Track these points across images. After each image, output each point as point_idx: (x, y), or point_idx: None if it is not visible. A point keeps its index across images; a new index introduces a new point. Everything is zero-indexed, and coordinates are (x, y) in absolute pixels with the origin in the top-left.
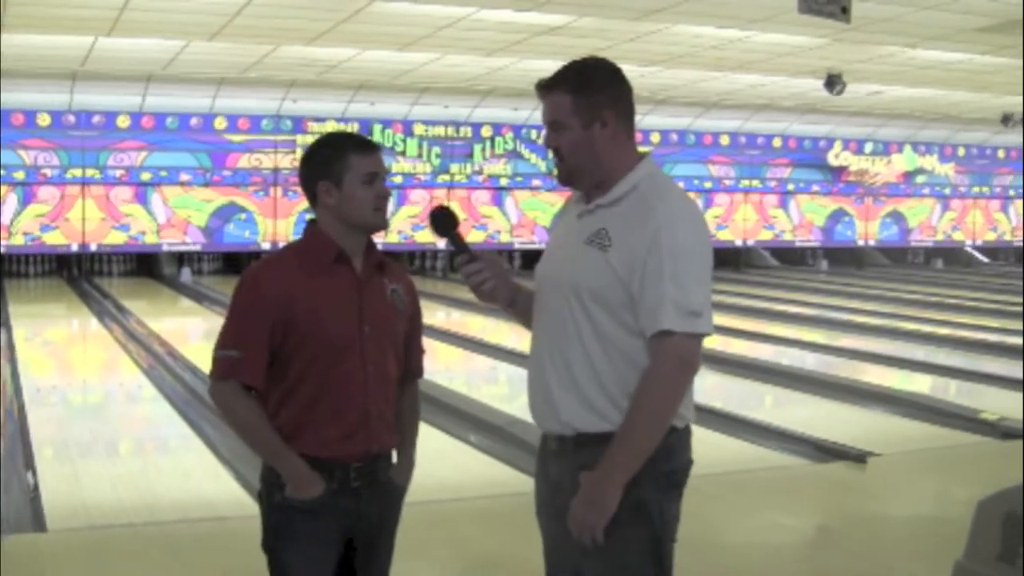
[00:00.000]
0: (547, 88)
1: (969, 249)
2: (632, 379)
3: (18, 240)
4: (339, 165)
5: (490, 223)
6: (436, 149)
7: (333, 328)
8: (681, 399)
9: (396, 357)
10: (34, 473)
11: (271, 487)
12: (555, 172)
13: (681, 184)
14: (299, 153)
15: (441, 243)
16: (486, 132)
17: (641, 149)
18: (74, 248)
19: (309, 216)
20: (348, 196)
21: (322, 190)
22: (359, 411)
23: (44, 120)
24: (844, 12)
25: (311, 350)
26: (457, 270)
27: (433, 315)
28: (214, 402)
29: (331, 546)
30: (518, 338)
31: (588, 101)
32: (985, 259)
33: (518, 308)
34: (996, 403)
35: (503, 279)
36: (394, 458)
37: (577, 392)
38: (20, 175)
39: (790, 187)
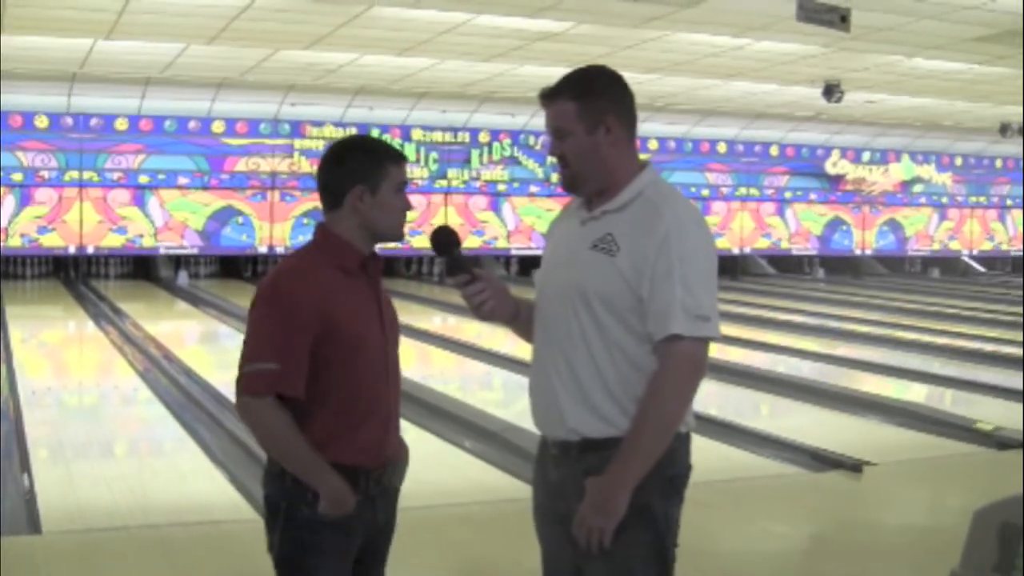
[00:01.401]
0: (551, 96)
1: (966, 259)
2: (638, 384)
3: (15, 242)
4: (378, 171)
5: (487, 229)
6: (434, 154)
7: (365, 335)
8: (690, 403)
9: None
10: (29, 475)
11: (296, 502)
12: (553, 178)
13: (680, 192)
14: (297, 157)
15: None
16: (484, 138)
17: (640, 156)
18: (71, 250)
19: (307, 221)
20: (381, 203)
21: (356, 194)
22: (385, 416)
23: (42, 122)
24: (843, 21)
25: (345, 357)
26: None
27: (428, 320)
28: (245, 419)
29: (352, 557)
30: (513, 343)
31: (592, 107)
32: (982, 269)
33: (520, 322)
34: (992, 413)
35: (502, 297)
36: None
37: (583, 398)
38: (18, 177)
39: (787, 195)
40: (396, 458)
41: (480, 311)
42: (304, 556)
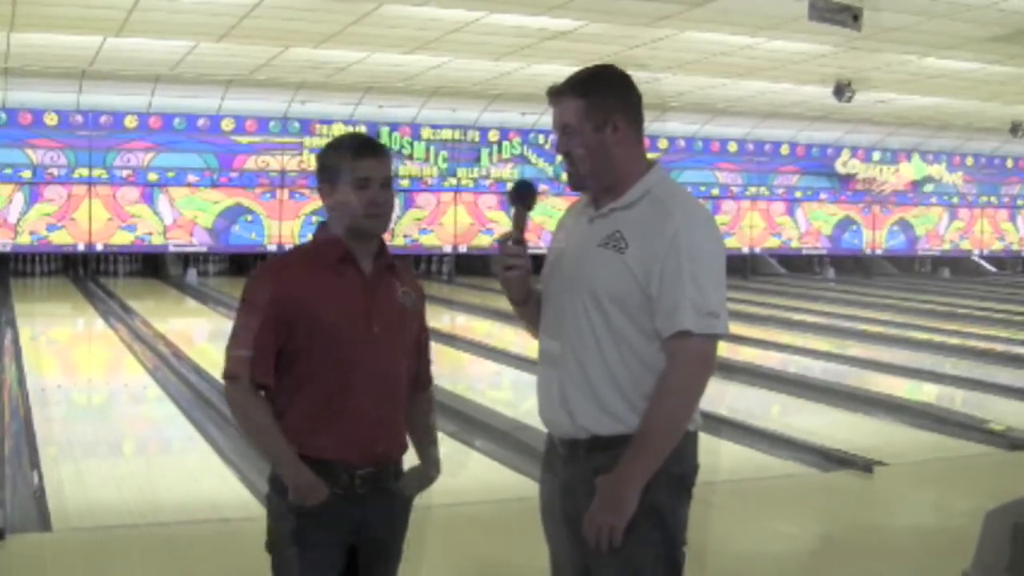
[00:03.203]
0: (559, 93)
1: (976, 259)
2: (647, 381)
3: (24, 239)
4: (335, 167)
5: (496, 227)
6: (443, 153)
7: (339, 328)
8: (699, 400)
9: (407, 360)
10: (39, 472)
11: (279, 491)
12: (563, 177)
13: (688, 190)
14: (306, 155)
15: (447, 247)
16: (493, 136)
17: (648, 156)
18: (80, 248)
19: (316, 219)
20: (338, 199)
21: (323, 192)
22: (366, 414)
23: (52, 119)
24: (855, 20)
25: (317, 350)
26: (473, 272)
27: (438, 319)
28: (228, 403)
29: (333, 552)
30: (523, 342)
31: (600, 105)
32: (992, 269)
33: (528, 309)
34: (1004, 413)
35: (528, 275)
36: (404, 466)
37: (593, 395)
38: (27, 174)
39: (797, 195)
40: (392, 460)
41: (506, 275)
42: (282, 544)
